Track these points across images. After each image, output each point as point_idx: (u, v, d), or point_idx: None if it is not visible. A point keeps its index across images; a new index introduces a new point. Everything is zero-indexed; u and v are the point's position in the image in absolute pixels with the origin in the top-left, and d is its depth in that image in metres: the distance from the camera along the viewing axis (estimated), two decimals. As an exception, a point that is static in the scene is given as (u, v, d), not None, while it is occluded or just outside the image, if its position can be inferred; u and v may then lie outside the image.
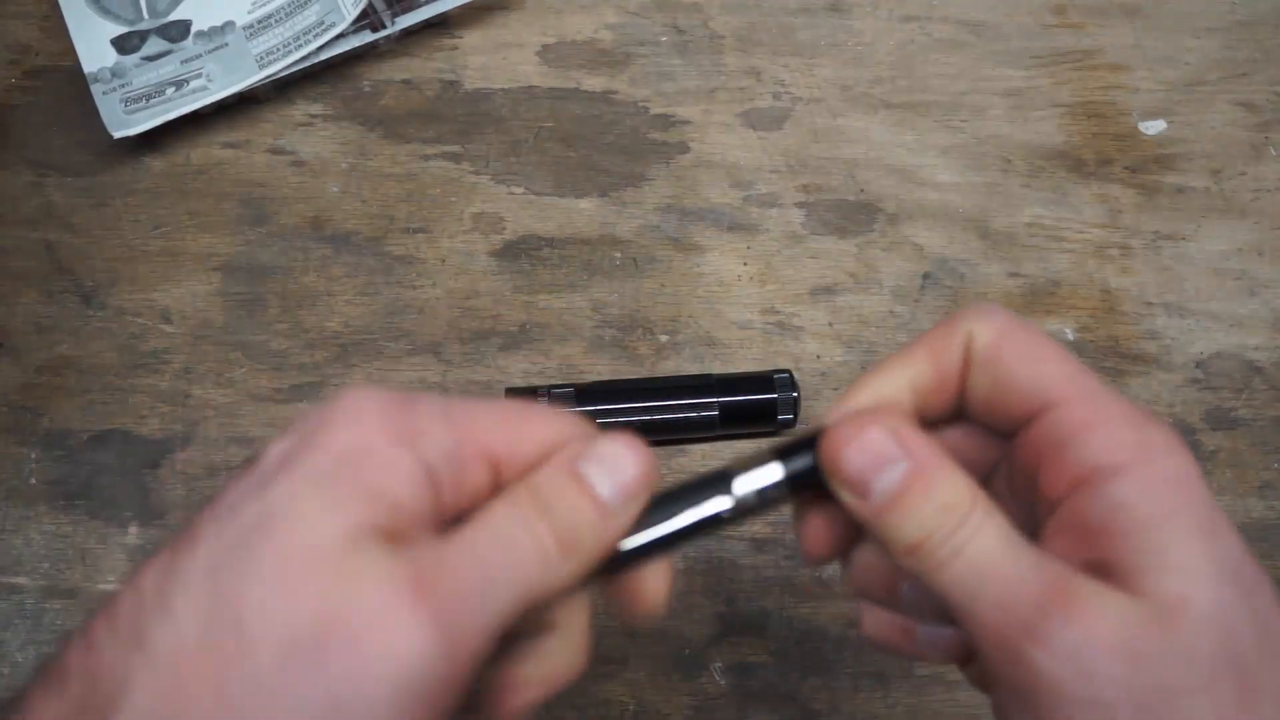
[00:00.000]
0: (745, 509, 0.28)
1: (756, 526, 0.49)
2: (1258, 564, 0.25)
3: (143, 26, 0.56)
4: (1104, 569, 0.25)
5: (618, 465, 0.26)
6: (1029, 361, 0.27)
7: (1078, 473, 0.25)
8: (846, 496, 0.27)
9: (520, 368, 0.51)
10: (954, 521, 0.25)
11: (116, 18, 0.56)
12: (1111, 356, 0.52)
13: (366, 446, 0.24)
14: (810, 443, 0.27)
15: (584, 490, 0.25)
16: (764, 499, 0.27)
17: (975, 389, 0.28)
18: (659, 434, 0.49)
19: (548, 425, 0.27)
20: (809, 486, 0.27)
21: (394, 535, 0.23)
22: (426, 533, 0.24)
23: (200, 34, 0.56)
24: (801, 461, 0.27)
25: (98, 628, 0.23)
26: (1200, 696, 0.23)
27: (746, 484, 0.27)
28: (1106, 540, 0.25)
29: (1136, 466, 0.25)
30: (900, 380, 0.28)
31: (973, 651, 0.30)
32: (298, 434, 0.24)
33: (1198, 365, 0.52)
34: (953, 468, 0.26)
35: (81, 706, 0.22)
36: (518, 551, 0.24)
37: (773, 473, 0.27)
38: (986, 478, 0.30)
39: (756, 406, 0.49)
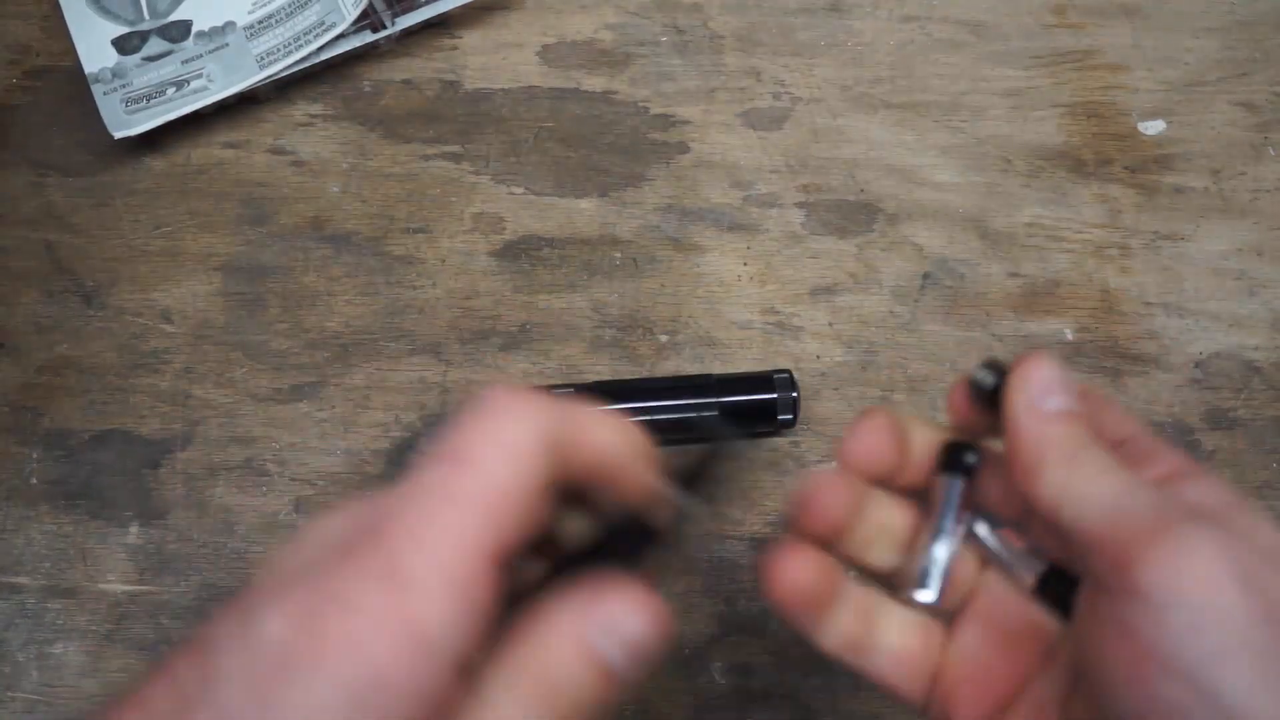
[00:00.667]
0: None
1: (756, 526, 0.49)
2: None
3: (143, 27, 0.56)
4: None
5: (629, 628, 0.24)
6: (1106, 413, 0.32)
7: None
8: (1022, 411, 0.31)
9: (520, 368, 0.51)
10: (1092, 445, 0.29)
11: (117, 18, 0.56)
12: (1111, 356, 0.52)
13: (379, 663, 0.22)
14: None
15: (600, 674, 0.24)
16: None
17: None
18: (659, 434, 0.49)
19: (517, 483, 0.24)
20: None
21: None
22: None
23: (201, 34, 0.56)
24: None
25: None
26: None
27: None
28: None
29: (1207, 475, 0.30)
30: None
31: (925, 672, 0.33)
32: (288, 596, 0.23)
33: (1197, 365, 0.52)
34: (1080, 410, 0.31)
35: None
36: None
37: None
38: None
39: (756, 406, 0.49)
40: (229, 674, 0.22)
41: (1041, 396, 0.31)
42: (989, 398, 0.32)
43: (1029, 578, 0.32)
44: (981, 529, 0.33)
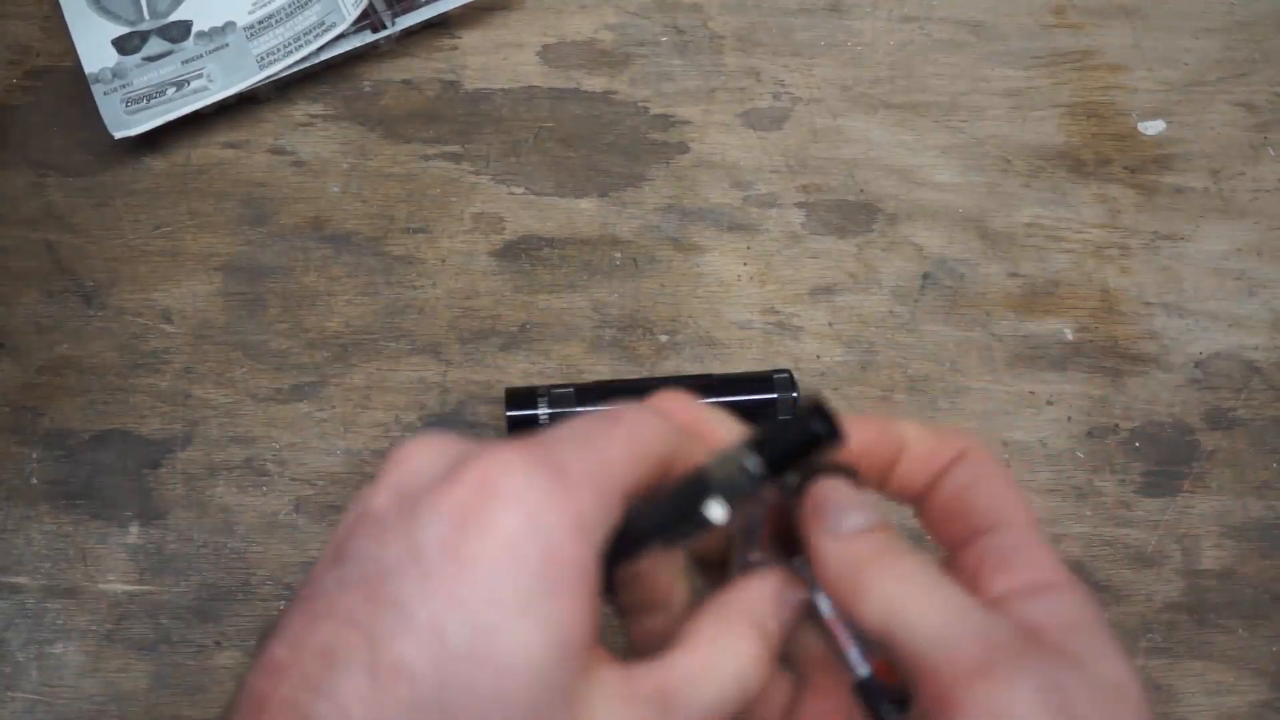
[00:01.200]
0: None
1: (756, 526, 0.49)
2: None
3: (143, 27, 0.56)
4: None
5: (793, 608, 0.28)
6: (991, 492, 0.29)
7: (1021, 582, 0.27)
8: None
9: (520, 368, 0.51)
10: (910, 554, 0.27)
11: (117, 18, 0.56)
12: (1111, 356, 0.52)
13: (554, 541, 0.23)
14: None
15: (779, 636, 0.28)
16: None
17: (938, 498, 0.30)
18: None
19: (658, 443, 0.27)
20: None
21: (598, 643, 0.25)
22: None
23: (201, 34, 0.56)
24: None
25: None
26: None
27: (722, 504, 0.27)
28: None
29: (1066, 588, 0.27)
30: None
31: None
32: (439, 496, 0.24)
33: (1197, 365, 0.52)
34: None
35: None
36: (742, 673, 0.26)
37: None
38: None
39: (756, 406, 0.49)
40: (414, 593, 0.23)
41: (838, 519, 0.28)
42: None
43: (852, 674, 0.28)
44: (823, 602, 0.29)
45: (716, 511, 0.26)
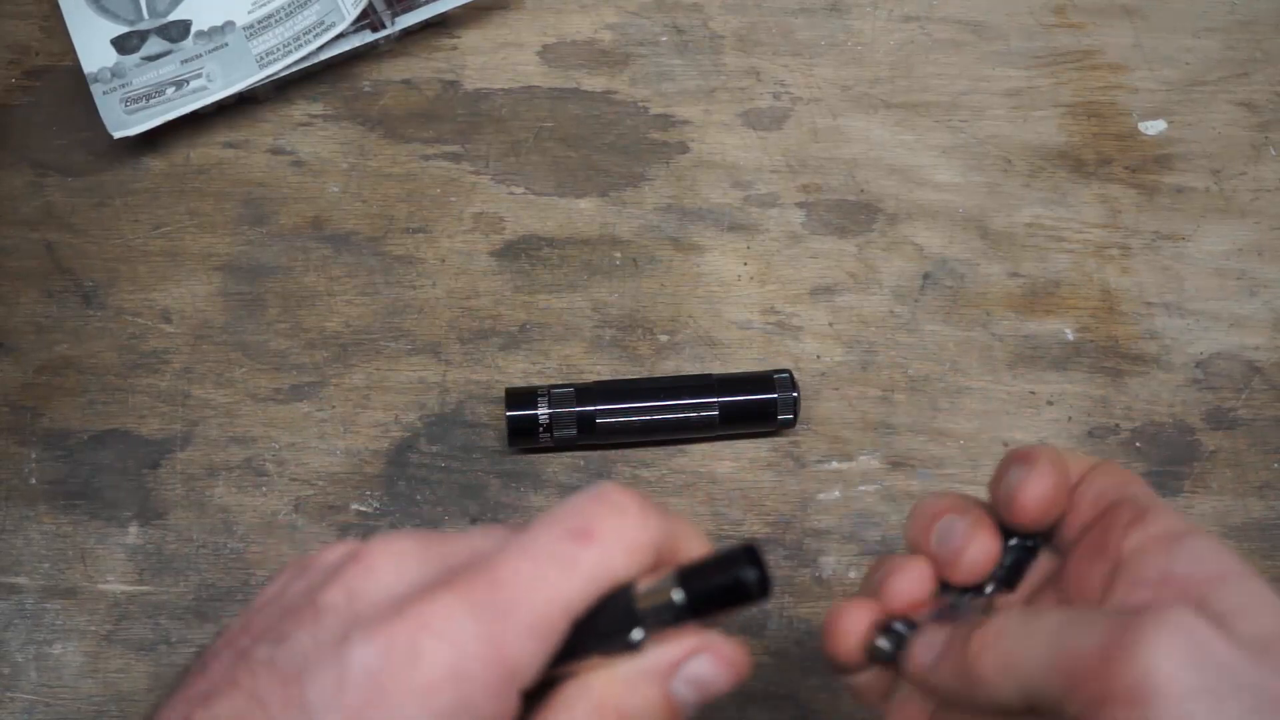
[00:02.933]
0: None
1: (756, 527, 0.49)
2: None
3: (143, 26, 0.56)
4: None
5: (708, 682, 0.27)
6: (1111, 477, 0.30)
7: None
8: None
9: (520, 368, 0.51)
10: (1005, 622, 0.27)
11: (116, 18, 0.56)
12: (1111, 356, 0.52)
13: (471, 691, 0.24)
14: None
15: (670, 707, 0.26)
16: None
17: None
18: (659, 434, 0.49)
19: (626, 570, 0.26)
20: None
21: None
22: None
23: (200, 34, 0.56)
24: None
25: None
26: None
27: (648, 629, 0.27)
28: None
29: (1202, 535, 0.27)
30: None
31: None
32: (379, 625, 0.24)
33: (1197, 365, 0.52)
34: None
35: None
36: None
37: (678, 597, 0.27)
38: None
39: (756, 406, 0.49)
40: (324, 704, 0.23)
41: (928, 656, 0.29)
42: (888, 661, 0.31)
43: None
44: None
45: (637, 636, 0.26)
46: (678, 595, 0.26)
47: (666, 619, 0.26)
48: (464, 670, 0.24)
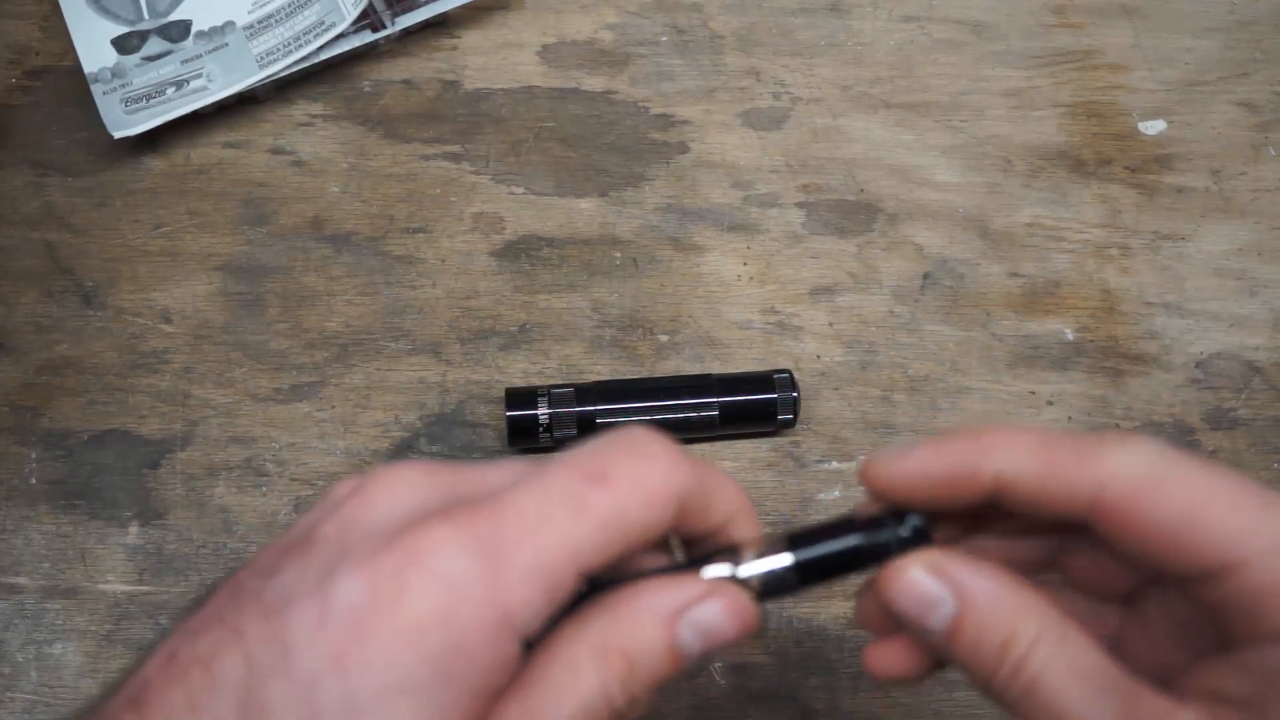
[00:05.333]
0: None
1: (756, 526, 0.49)
2: None
3: (143, 26, 0.56)
4: (1258, 713, 0.23)
5: (715, 629, 0.25)
6: (1190, 520, 0.24)
7: (1275, 630, 0.23)
8: (914, 629, 0.26)
9: (520, 368, 0.51)
10: (1017, 655, 0.24)
11: (117, 18, 0.56)
12: (1111, 356, 0.52)
13: (463, 634, 0.22)
14: (831, 531, 0.27)
15: (674, 651, 0.25)
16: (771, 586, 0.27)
17: (1122, 542, 0.25)
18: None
19: (642, 521, 0.25)
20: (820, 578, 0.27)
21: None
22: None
23: (200, 34, 0.56)
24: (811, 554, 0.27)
25: None
26: None
27: (754, 569, 0.26)
28: (1255, 669, 0.23)
29: None
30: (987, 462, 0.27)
31: None
32: (366, 557, 0.23)
33: (1197, 365, 0.52)
34: (1009, 597, 0.25)
35: None
36: (595, 712, 0.24)
37: (783, 561, 0.26)
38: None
39: (756, 406, 0.49)
40: (304, 641, 0.22)
41: (925, 620, 0.25)
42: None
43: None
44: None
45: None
46: (789, 566, 0.25)
47: (781, 590, 0.26)
48: (455, 611, 0.22)
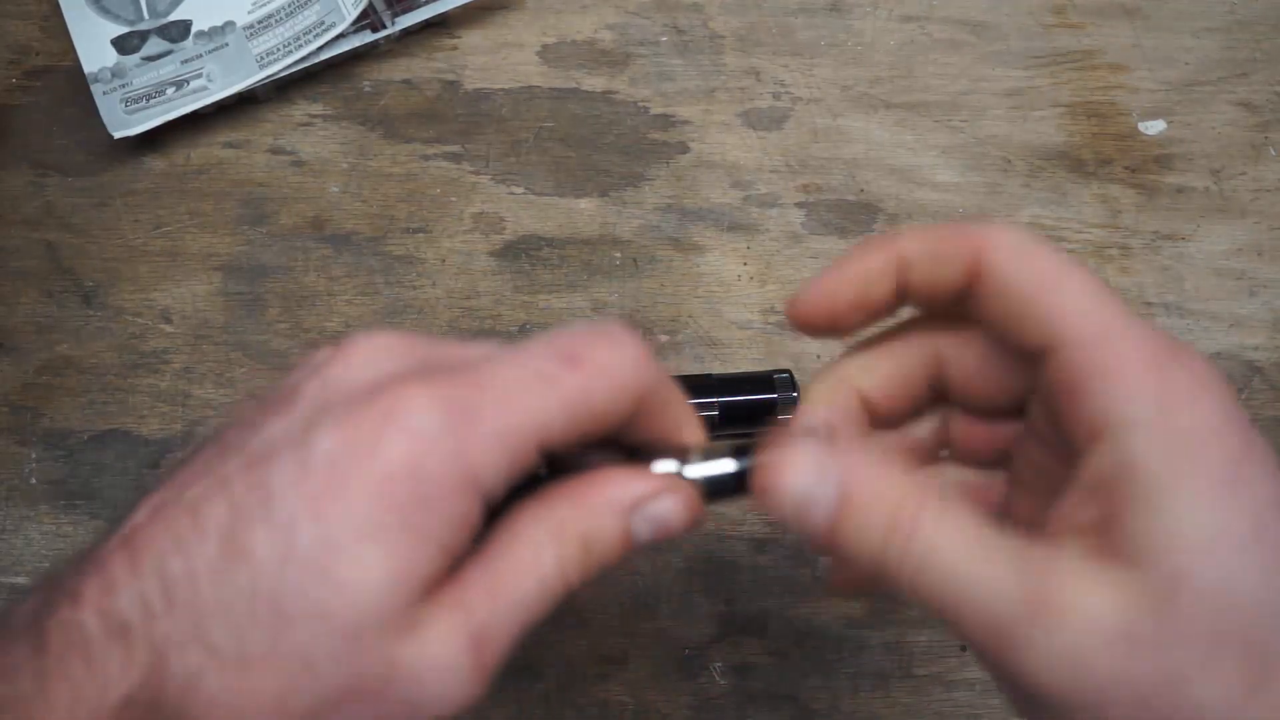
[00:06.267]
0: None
1: (756, 527, 0.49)
2: None
3: (143, 26, 0.56)
4: (1108, 536, 0.23)
5: (666, 521, 0.27)
6: (1040, 289, 0.25)
7: (1092, 424, 0.24)
8: (796, 527, 0.26)
9: (520, 368, 0.51)
10: (905, 530, 0.24)
11: (117, 18, 0.56)
12: (1111, 356, 0.52)
13: (429, 486, 0.24)
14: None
15: (626, 539, 0.27)
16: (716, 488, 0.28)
17: (988, 312, 0.27)
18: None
19: (605, 405, 0.26)
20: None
21: (442, 577, 0.24)
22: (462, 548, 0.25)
23: (200, 34, 0.56)
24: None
25: (122, 588, 0.24)
26: (1202, 680, 0.22)
27: (700, 471, 0.28)
28: (1113, 504, 0.23)
29: (1149, 421, 0.23)
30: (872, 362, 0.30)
31: None
32: (345, 413, 0.24)
33: (1197, 365, 0.52)
34: (888, 471, 0.25)
35: (148, 690, 0.23)
36: (550, 586, 0.26)
37: (727, 466, 0.28)
38: (1024, 401, 0.29)
39: (757, 406, 0.49)
40: (285, 489, 0.23)
41: (808, 511, 0.25)
42: None
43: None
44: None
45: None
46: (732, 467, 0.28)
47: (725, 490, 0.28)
48: (423, 465, 0.24)
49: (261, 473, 0.24)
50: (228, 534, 0.23)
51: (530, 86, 0.58)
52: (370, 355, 0.26)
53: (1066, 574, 0.23)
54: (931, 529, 0.24)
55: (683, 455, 0.28)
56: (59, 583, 0.25)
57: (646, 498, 0.26)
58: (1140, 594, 0.22)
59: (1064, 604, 0.23)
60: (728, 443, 0.28)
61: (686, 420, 0.29)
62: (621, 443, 0.28)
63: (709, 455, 0.28)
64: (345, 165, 0.56)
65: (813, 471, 0.25)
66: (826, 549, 0.26)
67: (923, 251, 0.28)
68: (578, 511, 0.26)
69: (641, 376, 0.26)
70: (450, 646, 0.24)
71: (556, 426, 0.25)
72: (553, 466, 0.27)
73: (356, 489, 0.23)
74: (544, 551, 0.25)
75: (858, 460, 0.25)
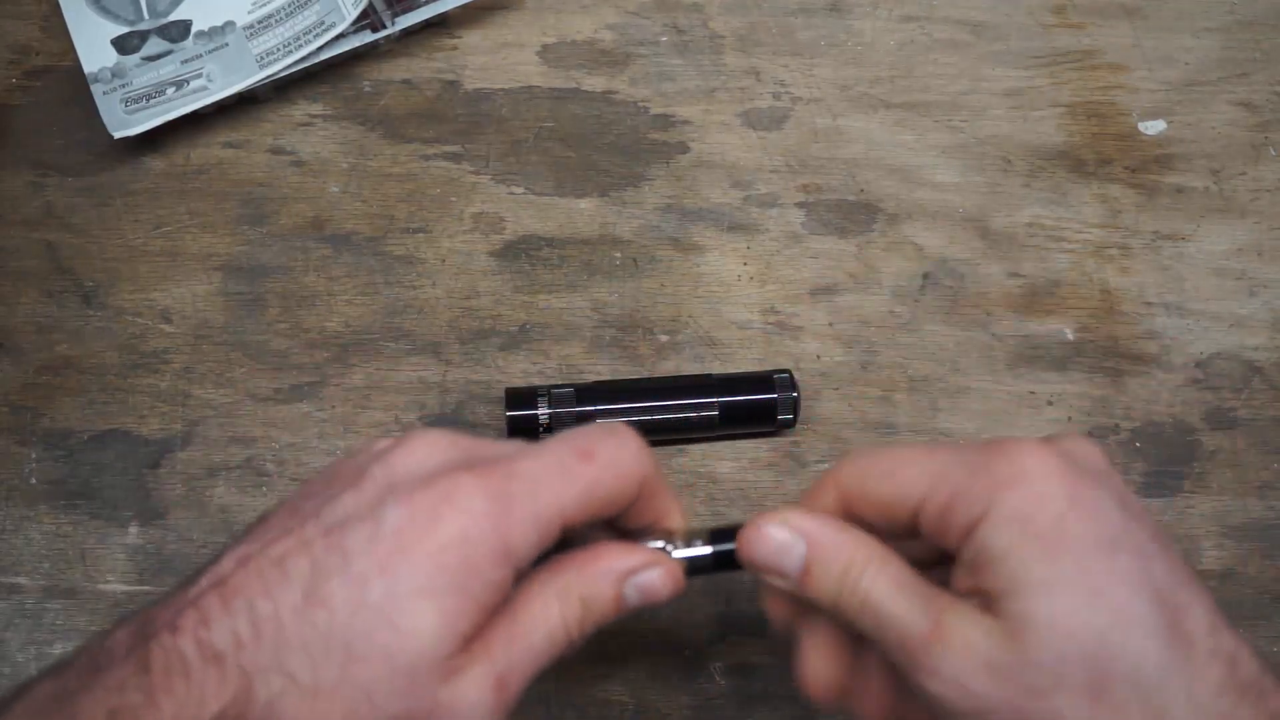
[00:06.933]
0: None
1: (756, 526, 0.49)
2: (1134, 546, 0.30)
3: (143, 26, 0.56)
4: (983, 599, 0.30)
5: (653, 590, 0.33)
6: (884, 482, 0.33)
7: (960, 531, 0.31)
8: (774, 581, 0.34)
9: (520, 368, 0.51)
10: (855, 577, 0.32)
11: (117, 18, 0.56)
12: (1111, 356, 0.52)
13: (475, 556, 0.29)
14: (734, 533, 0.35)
15: (619, 602, 0.33)
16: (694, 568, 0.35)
17: (885, 512, 0.34)
18: (659, 434, 0.49)
19: (613, 491, 0.32)
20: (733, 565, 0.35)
21: (476, 632, 0.30)
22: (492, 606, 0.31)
23: (200, 34, 0.56)
24: (728, 546, 0.35)
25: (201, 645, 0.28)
26: (1055, 696, 0.29)
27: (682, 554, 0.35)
28: (980, 575, 0.30)
29: (990, 511, 0.30)
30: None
31: None
32: (409, 493, 0.30)
33: (1197, 365, 0.52)
34: (845, 535, 0.33)
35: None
36: (556, 639, 0.31)
37: (703, 551, 0.35)
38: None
39: (756, 406, 0.49)
40: (359, 551, 0.29)
41: (783, 566, 0.33)
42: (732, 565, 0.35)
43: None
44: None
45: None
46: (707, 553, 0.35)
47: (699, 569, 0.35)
48: (472, 538, 0.29)
49: (338, 537, 0.29)
50: (310, 584, 0.28)
51: (530, 86, 0.58)
52: (429, 448, 0.32)
53: (956, 615, 0.30)
54: (870, 579, 0.32)
55: (669, 537, 0.34)
56: (152, 617, 0.29)
57: (637, 568, 0.33)
58: (1001, 633, 0.29)
59: (951, 636, 0.30)
60: (706, 528, 0.35)
61: (672, 508, 0.35)
62: (617, 528, 0.34)
63: (690, 538, 0.35)
64: (345, 165, 0.56)
65: (787, 531, 0.33)
66: (797, 592, 0.33)
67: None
68: (580, 577, 0.32)
69: (642, 466, 0.32)
70: (480, 689, 0.29)
71: (576, 509, 0.31)
72: (561, 541, 0.32)
73: (418, 554, 0.29)
74: (552, 609, 0.31)
75: (820, 522, 0.33)
